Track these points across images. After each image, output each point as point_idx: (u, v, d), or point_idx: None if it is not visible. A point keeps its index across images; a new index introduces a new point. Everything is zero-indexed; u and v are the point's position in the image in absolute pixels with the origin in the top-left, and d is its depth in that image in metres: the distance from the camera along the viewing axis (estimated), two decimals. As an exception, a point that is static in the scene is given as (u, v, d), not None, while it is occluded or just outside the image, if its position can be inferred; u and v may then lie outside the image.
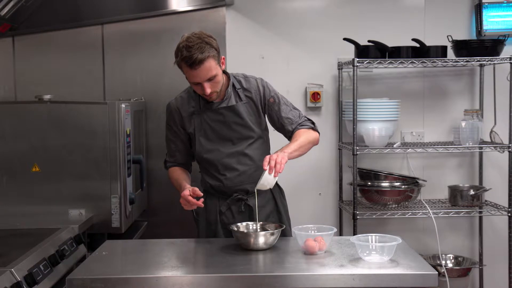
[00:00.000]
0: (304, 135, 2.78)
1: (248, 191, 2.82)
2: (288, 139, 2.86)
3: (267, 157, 2.53)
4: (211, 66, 2.61)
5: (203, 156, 2.84)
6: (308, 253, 2.37)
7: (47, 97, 3.24)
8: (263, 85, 2.85)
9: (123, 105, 3.18)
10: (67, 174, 3.15)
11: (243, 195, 2.83)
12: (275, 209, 2.91)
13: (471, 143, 3.72)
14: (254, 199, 2.75)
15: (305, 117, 2.90)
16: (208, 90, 2.64)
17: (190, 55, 2.55)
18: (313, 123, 2.89)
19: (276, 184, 2.88)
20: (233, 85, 2.82)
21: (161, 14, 3.86)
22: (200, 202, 2.59)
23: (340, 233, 3.95)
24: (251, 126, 2.81)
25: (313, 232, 2.47)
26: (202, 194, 2.61)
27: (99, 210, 3.16)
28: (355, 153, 3.60)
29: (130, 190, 3.31)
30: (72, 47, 3.84)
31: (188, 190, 2.61)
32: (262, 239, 2.44)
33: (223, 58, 2.73)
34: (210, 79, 2.63)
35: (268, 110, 2.86)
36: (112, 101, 3.26)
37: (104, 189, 3.16)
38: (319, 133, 2.91)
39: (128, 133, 3.27)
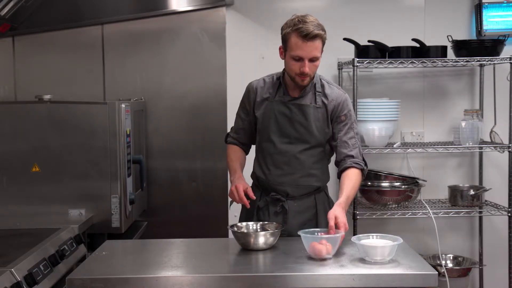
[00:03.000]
0: (357, 181, 2.68)
1: (288, 194, 2.77)
2: (336, 164, 2.77)
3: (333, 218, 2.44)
4: (318, 47, 2.62)
5: (261, 144, 2.82)
6: (317, 258, 2.30)
7: (47, 97, 3.24)
8: (342, 100, 2.76)
9: (123, 105, 3.18)
10: (67, 174, 3.15)
11: (282, 196, 2.77)
12: (315, 217, 2.79)
13: (471, 143, 3.72)
14: (293, 203, 2.76)
15: (361, 154, 2.76)
16: (307, 69, 2.62)
17: (306, 27, 2.58)
18: (365, 163, 2.76)
19: (324, 192, 2.85)
20: (314, 86, 2.78)
21: (161, 14, 3.87)
22: (247, 202, 2.63)
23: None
24: (313, 131, 2.74)
25: (319, 235, 2.40)
26: (254, 197, 2.65)
27: (99, 210, 3.16)
28: (355, 153, 3.59)
29: (130, 190, 3.31)
30: (72, 47, 3.85)
31: (243, 186, 2.65)
32: (262, 239, 2.44)
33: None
34: (312, 60, 2.63)
35: (333, 124, 2.77)
36: (112, 101, 3.26)
37: (104, 189, 3.16)
38: (364, 175, 2.77)
39: (128, 133, 3.27)
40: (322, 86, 2.78)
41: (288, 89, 2.77)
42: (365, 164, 2.75)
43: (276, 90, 2.79)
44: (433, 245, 3.89)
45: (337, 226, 2.43)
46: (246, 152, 2.96)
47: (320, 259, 2.28)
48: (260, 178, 2.82)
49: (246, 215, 2.84)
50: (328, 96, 2.75)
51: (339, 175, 2.75)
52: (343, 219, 2.44)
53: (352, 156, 2.72)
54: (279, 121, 2.75)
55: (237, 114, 2.93)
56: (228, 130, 3.04)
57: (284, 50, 2.68)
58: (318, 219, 2.77)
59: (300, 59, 2.62)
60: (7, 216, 3.06)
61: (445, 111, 4.04)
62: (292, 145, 2.75)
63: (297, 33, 2.59)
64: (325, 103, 2.75)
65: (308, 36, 2.57)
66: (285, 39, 2.66)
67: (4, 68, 3.84)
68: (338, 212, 2.46)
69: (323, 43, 2.65)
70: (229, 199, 2.74)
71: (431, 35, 3.88)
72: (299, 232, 2.38)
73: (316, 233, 2.41)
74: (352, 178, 2.66)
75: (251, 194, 2.64)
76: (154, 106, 3.87)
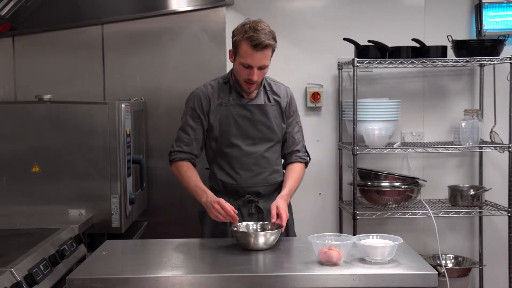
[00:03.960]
0: (301, 174, 2.88)
1: (260, 193, 2.82)
2: (283, 157, 2.94)
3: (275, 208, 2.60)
4: (268, 56, 2.68)
5: (223, 150, 2.81)
6: (328, 263, 2.24)
7: (47, 97, 3.24)
8: (290, 95, 2.92)
9: (123, 105, 3.18)
10: (67, 174, 3.15)
11: (255, 197, 2.81)
12: None
13: (471, 143, 3.72)
14: (265, 202, 2.78)
15: (304, 146, 2.97)
16: (256, 77, 2.67)
17: (257, 36, 2.60)
18: (308, 154, 2.97)
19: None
20: (264, 86, 2.85)
21: (161, 14, 3.86)
22: (234, 215, 2.55)
23: (340, 233, 3.94)
24: (274, 129, 2.82)
25: (330, 241, 2.35)
26: (231, 208, 2.57)
27: (99, 210, 3.15)
28: (355, 153, 3.60)
29: (130, 190, 3.31)
30: (72, 47, 3.84)
31: (221, 200, 2.57)
32: (262, 239, 2.44)
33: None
34: (261, 68, 2.68)
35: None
36: (112, 101, 3.26)
37: (104, 189, 3.16)
38: (307, 166, 2.98)
39: (128, 133, 3.27)
40: (269, 84, 2.88)
41: (242, 91, 2.81)
42: (308, 155, 2.95)
43: (227, 94, 2.81)
44: (433, 245, 3.89)
45: (279, 216, 2.58)
46: (195, 166, 2.85)
47: (331, 265, 2.24)
48: (229, 183, 2.82)
49: (213, 223, 2.73)
50: (279, 94, 2.87)
51: (284, 167, 2.94)
52: (284, 209, 2.60)
53: (298, 151, 2.92)
54: (240, 124, 2.79)
55: (186, 125, 2.82)
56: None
57: (234, 55, 2.72)
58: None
59: (249, 67, 2.66)
60: (7, 216, 3.06)
61: (445, 111, 4.04)
62: (257, 145, 2.81)
63: (248, 42, 2.62)
64: (277, 100, 2.85)
65: (259, 46, 2.62)
66: (235, 45, 2.70)
67: (4, 68, 3.83)
68: (279, 203, 2.62)
69: (273, 51, 2.71)
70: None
71: (431, 35, 3.88)
72: (309, 238, 2.36)
73: (326, 239, 2.37)
74: (295, 172, 2.86)
75: (232, 207, 2.57)
76: (154, 106, 3.87)
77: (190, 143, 2.83)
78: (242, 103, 2.80)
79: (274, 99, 2.85)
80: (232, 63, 2.78)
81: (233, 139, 2.79)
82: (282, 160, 2.97)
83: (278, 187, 2.86)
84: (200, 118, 2.82)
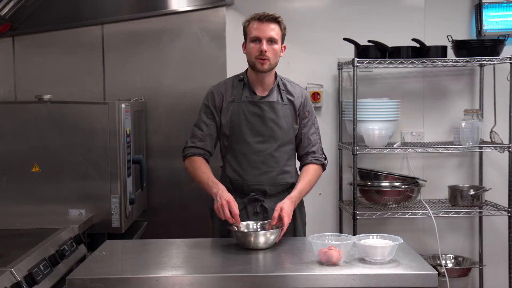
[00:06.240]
0: (314, 175, 2.86)
1: (266, 192, 2.81)
2: (298, 159, 2.93)
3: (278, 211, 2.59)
4: (276, 30, 2.74)
5: (233, 147, 2.82)
6: (328, 264, 2.24)
7: (47, 97, 3.24)
8: (306, 96, 2.91)
9: (123, 105, 3.18)
10: (67, 174, 3.15)
11: (260, 196, 2.80)
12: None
13: (471, 143, 3.72)
14: (271, 201, 2.78)
15: (321, 148, 2.94)
16: (265, 47, 2.70)
17: (263, 12, 2.73)
18: (325, 157, 2.94)
19: None
20: (278, 85, 2.86)
21: (161, 14, 3.87)
22: (238, 218, 2.55)
23: (340, 233, 3.94)
24: (284, 128, 2.82)
25: (330, 241, 2.35)
26: (238, 212, 2.56)
27: (99, 210, 3.16)
28: (355, 153, 3.60)
29: (130, 190, 3.31)
30: (72, 47, 3.84)
31: (234, 202, 2.56)
32: (262, 238, 2.44)
33: (284, 47, 2.82)
34: (271, 41, 2.72)
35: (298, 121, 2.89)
36: (112, 101, 3.26)
37: (104, 189, 3.16)
38: (325, 168, 2.96)
39: (128, 133, 3.27)
40: (284, 84, 2.90)
41: (255, 88, 2.83)
42: (325, 158, 2.93)
43: (241, 91, 2.84)
44: (433, 245, 3.89)
45: (281, 217, 2.56)
46: (208, 162, 2.87)
47: (331, 265, 2.24)
48: (235, 180, 2.83)
49: (222, 221, 2.70)
50: (293, 94, 2.87)
51: (300, 169, 2.92)
52: (287, 211, 2.57)
53: (314, 152, 2.90)
54: (250, 121, 2.80)
55: (200, 121, 2.87)
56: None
57: (245, 41, 2.81)
58: (295, 214, 2.78)
59: (257, 40, 2.73)
60: (7, 216, 3.06)
61: (445, 111, 4.05)
62: (266, 143, 2.81)
63: (254, 18, 2.75)
64: (291, 100, 2.86)
65: (262, 16, 2.72)
66: (245, 31, 2.80)
67: (4, 68, 3.83)
68: (284, 204, 2.60)
69: (282, 31, 2.77)
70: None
71: (431, 35, 3.88)
72: (309, 238, 2.36)
73: (326, 239, 2.37)
74: (309, 173, 2.84)
75: (236, 208, 2.56)
76: (154, 106, 3.87)
77: (203, 139, 2.86)
78: (253, 100, 2.81)
79: (288, 99, 2.85)
80: (245, 54, 2.81)
81: (243, 136, 2.80)
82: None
83: (289, 188, 2.84)
84: (213, 114, 2.86)
